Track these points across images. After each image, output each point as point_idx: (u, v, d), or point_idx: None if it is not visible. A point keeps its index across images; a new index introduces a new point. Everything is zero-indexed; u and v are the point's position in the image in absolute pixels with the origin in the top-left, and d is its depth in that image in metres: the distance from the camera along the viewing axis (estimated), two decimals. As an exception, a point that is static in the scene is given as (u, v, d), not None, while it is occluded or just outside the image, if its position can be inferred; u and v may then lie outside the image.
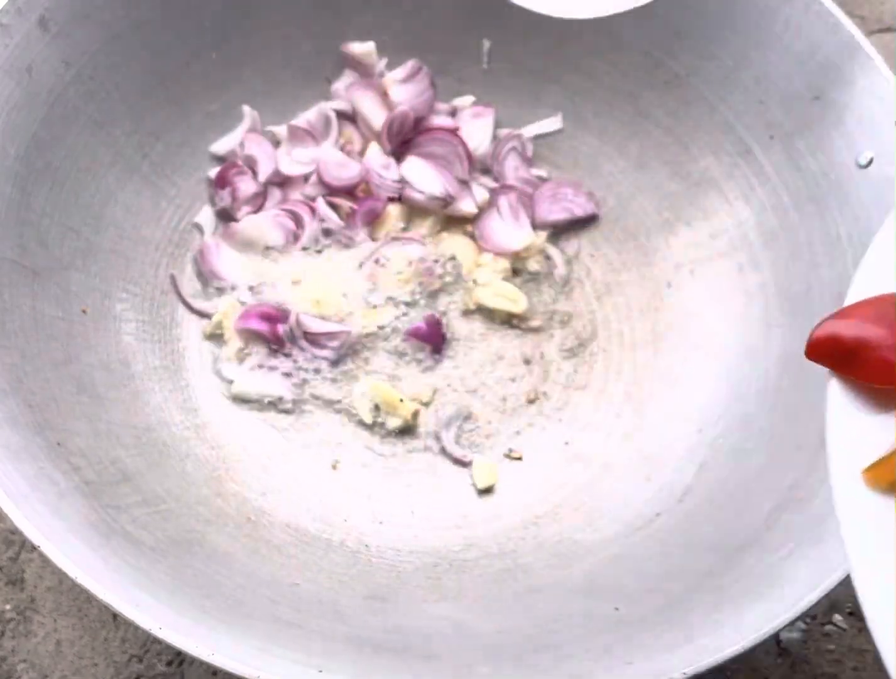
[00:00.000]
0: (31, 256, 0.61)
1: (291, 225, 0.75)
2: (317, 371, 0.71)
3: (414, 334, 0.72)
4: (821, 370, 0.37)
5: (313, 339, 0.71)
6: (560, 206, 0.78)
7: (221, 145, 0.76)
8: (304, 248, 0.74)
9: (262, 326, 0.71)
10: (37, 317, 0.60)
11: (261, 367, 0.71)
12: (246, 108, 0.76)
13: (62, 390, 0.59)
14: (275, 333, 0.71)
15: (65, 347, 0.62)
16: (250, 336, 0.71)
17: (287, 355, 0.71)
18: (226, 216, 0.75)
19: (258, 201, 0.76)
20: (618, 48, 0.74)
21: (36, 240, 0.62)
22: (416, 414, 0.71)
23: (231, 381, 0.70)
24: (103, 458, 0.58)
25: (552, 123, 0.80)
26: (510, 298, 0.74)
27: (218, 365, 0.71)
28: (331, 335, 0.71)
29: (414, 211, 0.76)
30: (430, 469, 0.70)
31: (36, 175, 0.62)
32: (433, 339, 0.72)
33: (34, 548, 0.48)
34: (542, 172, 0.80)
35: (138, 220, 0.71)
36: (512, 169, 0.79)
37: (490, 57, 0.78)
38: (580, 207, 0.78)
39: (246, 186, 0.75)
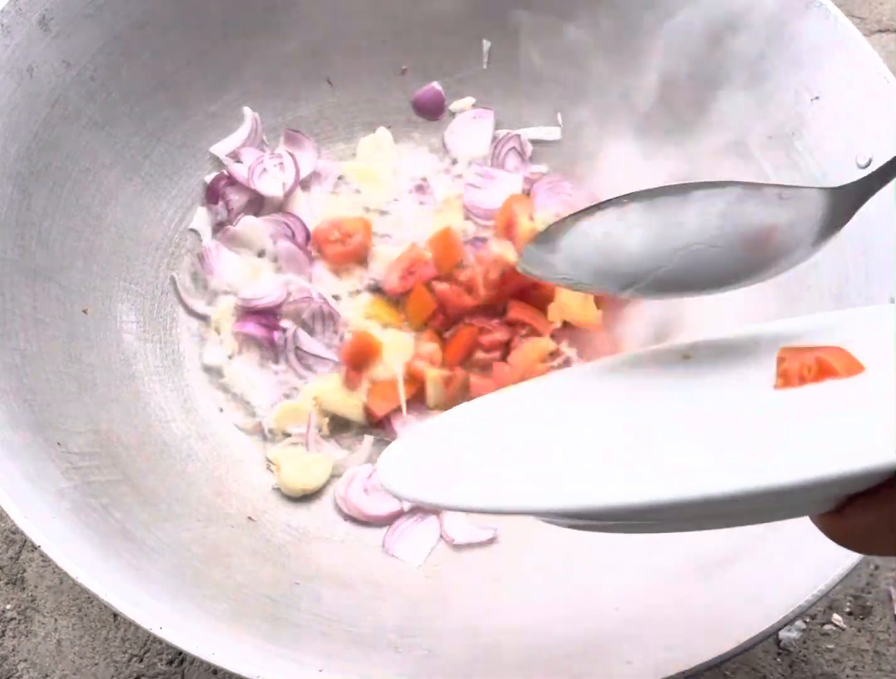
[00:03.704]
0: (32, 257, 0.61)
1: (288, 231, 0.75)
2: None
3: None
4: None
5: (302, 356, 0.72)
6: (559, 198, 0.78)
7: (222, 146, 0.76)
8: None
9: (260, 332, 0.71)
10: (38, 317, 0.60)
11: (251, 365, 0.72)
12: (246, 110, 0.76)
13: (63, 390, 0.60)
14: (270, 340, 0.72)
15: (66, 347, 0.62)
16: (245, 339, 0.72)
17: (276, 363, 0.72)
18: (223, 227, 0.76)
19: (253, 208, 0.76)
20: (617, 49, 0.74)
21: (37, 240, 0.62)
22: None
23: (216, 367, 0.71)
24: (104, 458, 0.59)
25: (550, 133, 0.80)
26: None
27: (204, 355, 0.72)
28: (320, 359, 0.72)
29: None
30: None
31: (37, 175, 0.62)
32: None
33: (35, 547, 0.48)
34: (542, 168, 0.80)
35: (139, 220, 0.71)
36: (511, 169, 0.80)
37: (490, 57, 0.78)
38: (580, 202, 0.78)
39: (238, 197, 0.75)
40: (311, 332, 0.72)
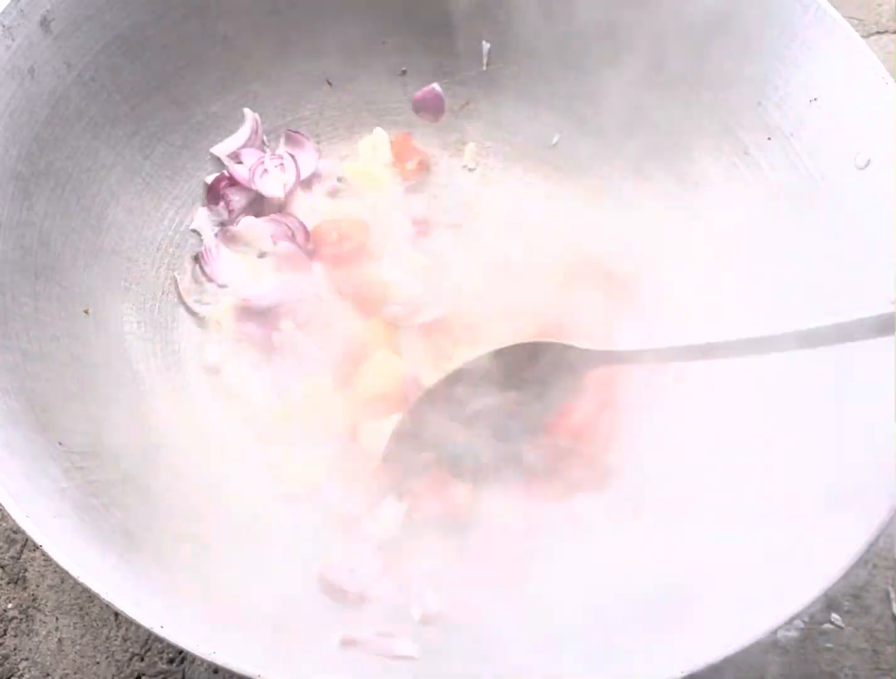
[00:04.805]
0: (33, 257, 0.61)
1: (288, 232, 0.75)
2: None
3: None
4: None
5: (301, 356, 0.72)
6: None
7: (223, 147, 0.76)
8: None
9: (259, 332, 0.72)
10: (39, 317, 0.61)
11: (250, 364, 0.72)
12: (247, 110, 0.77)
13: (64, 390, 0.60)
14: (269, 340, 0.72)
15: (67, 347, 0.62)
16: (245, 339, 0.72)
17: (275, 363, 0.72)
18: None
19: (254, 209, 0.76)
20: (617, 50, 0.74)
21: (38, 240, 0.62)
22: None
23: (216, 367, 0.71)
24: (105, 458, 0.59)
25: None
26: None
27: (204, 355, 0.72)
28: (318, 359, 0.72)
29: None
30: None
31: (38, 176, 0.62)
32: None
33: (36, 547, 0.48)
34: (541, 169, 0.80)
35: (140, 221, 0.72)
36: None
37: (490, 58, 0.79)
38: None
39: (239, 197, 0.75)
40: (309, 332, 0.72)
